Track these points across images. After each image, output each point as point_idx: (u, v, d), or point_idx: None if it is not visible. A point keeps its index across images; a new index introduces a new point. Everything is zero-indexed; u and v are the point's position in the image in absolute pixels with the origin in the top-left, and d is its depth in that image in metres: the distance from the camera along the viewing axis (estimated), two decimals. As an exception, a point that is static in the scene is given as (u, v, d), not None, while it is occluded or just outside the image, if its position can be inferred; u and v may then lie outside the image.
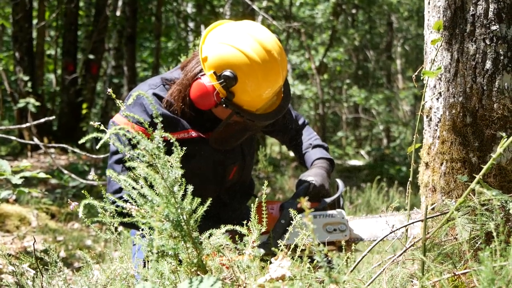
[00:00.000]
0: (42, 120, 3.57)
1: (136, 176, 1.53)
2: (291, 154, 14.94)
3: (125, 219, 1.59)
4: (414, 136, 2.08)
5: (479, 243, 1.79)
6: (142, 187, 1.49)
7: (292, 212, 1.86)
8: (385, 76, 19.98)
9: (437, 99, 2.11)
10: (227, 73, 2.20)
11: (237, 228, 1.69)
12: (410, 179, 2.11)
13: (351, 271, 1.76)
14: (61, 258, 4.25)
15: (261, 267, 1.58)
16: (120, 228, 1.86)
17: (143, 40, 16.71)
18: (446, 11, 2.04)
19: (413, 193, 2.24)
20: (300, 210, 2.46)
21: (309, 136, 2.89)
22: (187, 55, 4.22)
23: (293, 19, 14.61)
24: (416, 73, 2.10)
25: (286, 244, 1.79)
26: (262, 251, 2.22)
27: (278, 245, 1.70)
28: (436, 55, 2.09)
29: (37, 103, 9.81)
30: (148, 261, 1.84)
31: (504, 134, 1.66)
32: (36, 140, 5.13)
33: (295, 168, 11.55)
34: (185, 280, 1.41)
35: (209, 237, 1.63)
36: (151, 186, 1.50)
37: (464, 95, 2.00)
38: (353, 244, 2.43)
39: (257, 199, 1.86)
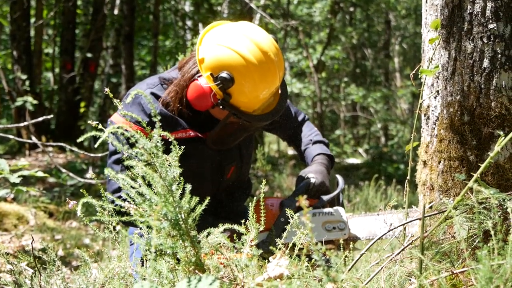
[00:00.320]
0: (40, 118, 3.56)
1: (135, 175, 1.53)
2: (289, 152, 14.95)
3: (124, 218, 1.59)
4: (412, 135, 2.08)
5: (477, 241, 1.79)
6: (140, 186, 1.50)
7: (291, 211, 1.85)
8: (383, 74, 19.98)
9: (435, 97, 2.12)
10: (224, 74, 2.20)
11: (235, 227, 1.69)
12: (408, 177, 2.11)
13: (349, 270, 1.76)
14: (59, 256, 4.24)
15: (259, 266, 1.59)
16: (118, 227, 1.86)
17: (141, 39, 16.69)
18: (444, 10, 2.04)
19: (411, 191, 2.24)
20: (300, 208, 2.46)
21: (310, 131, 2.88)
22: (185, 54, 4.22)
23: (291, 17, 14.61)
24: (414, 72, 2.11)
25: (285, 243, 1.79)
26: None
27: (277, 244, 1.70)
28: (433, 53, 2.09)
29: (35, 102, 9.79)
30: (146, 260, 1.84)
31: (501, 133, 1.66)
32: (34, 139, 5.13)
33: (293, 166, 11.56)
34: (184, 279, 1.41)
35: (207, 236, 1.63)
36: (149, 185, 1.50)
37: (462, 93, 2.00)
38: (351, 242, 2.43)
39: (255, 198, 1.86)
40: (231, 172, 2.61)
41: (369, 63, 19.61)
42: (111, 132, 1.48)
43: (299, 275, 1.51)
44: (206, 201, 1.61)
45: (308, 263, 1.62)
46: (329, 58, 16.27)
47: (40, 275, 2.12)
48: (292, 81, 15.61)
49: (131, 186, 1.51)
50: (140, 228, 1.61)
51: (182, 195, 1.53)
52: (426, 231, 1.82)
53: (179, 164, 1.55)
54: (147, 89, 2.40)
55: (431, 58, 2.10)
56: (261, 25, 11.57)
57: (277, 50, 2.32)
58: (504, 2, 1.93)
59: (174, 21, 15.35)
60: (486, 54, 1.95)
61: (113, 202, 1.63)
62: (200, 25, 13.30)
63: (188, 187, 1.55)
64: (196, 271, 1.55)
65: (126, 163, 1.51)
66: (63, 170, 4.31)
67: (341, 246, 1.85)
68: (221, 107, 2.28)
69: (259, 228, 1.72)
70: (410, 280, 1.83)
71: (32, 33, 11.62)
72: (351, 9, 18.18)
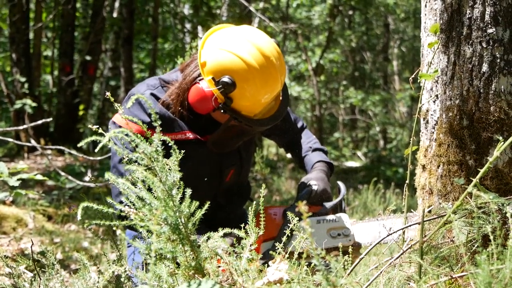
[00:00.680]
0: (39, 121, 3.57)
1: (135, 179, 1.53)
2: (288, 156, 14.91)
3: (124, 222, 1.59)
4: (411, 139, 2.08)
5: (476, 246, 1.79)
6: (140, 190, 1.50)
7: (295, 219, 1.84)
8: (382, 78, 20.00)
9: (434, 101, 2.12)
10: (226, 79, 2.21)
11: (235, 231, 1.69)
12: (407, 181, 2.11)
13: (348, 274, 1.76)
14: (58, 260, 4.24)
15: (259, 270, 1.59)
16: (119, 232, 1.86)
17: (140, 42, 16.71)
18: (443, 14, 2.05)
19: (410, 195, 2.24)
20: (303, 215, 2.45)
21: (309, 139, 2.89)
22: (184, 57, 4.22)
23: (290, 21, 14.64)
24: (413, 76, 2.11)
25: (293, 251, 1.78)
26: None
27: (277, 248, 1.70)
28: (433, 57, 2.10)
29: (34, 104, 9.78)
30: (146, 264, 1.84)
31: (500, 137, 1.66)
32: (33, 142, 5.12)
33: (292, 169, 11.56)
34: (183, 283, 1.41)
35: (207, 240, 1.63)
36: (149, 189, 1.50)
37: (461, 98, 2.00)
38: (357, 249, 2.42)
39: (254, 202, 1.86)
40: (230, 175, 2.61)
41: (368, 66, 19.63)
42: (112, 135, 1.48)
43: (299, 279, 1.52)
44: (206, 206, 1.61)
45: (308, 268, 1.62)
46: (328, 61, 16.30)
47: (40, 278, 2.12)
48: (291, 84, 15.62)
49: (132, 191, 1.51)
50: (140, 233, 1.61)
51: (182, 199, 1.54)
52: (425, 236, 1.82)
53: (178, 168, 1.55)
54: (147, 90, 2.40)
55: (430, 62, 2.11)
56: (260, 28, 11.56)
57: (279, 54, 2.32)
58: (503, 7, 1.93)
59: (173, 24, 15.36)
60: (485, 59, 1.95)
61: (114, 207, 1.63)
62: (199, 28, 13.31)
63: (188, 191, 1.55)
64: (196, 276, 1.55)
65: (126, 167, 1.51)
66: (62, 173, 4.31)
67: (349, 253, 1.84)
68: (222, 111, 2.28)
69: (258, 232, 1.72)
70: (409, 284, 1.83)
71: (31, 35, 11.61)
72: (350, 12, 18.22)
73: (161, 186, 1.47)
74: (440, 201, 2.08)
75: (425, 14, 2.17)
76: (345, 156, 16.32)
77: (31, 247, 2.37)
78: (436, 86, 2.10)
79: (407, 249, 1.86)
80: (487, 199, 1.54)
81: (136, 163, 1.53)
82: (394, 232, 1.98)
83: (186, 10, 15.89)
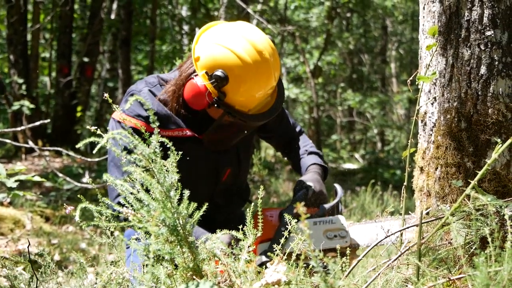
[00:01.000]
0: (37, 123, 3.56)
1: (133, 180, 1.53)
2: (285, 158, 14.85)
3: (122, 224, 1.59)
4: (409, 141, 2.09)
5: (474, 248, 1.79)
6: (138, 192, 1.50)
7: (292, 220, 1.84)
8: (380, 80, 20.01)
9: (432, 104, 2.12)
10: (218, 73, 2.21)
11: (233, 232, 1.69)
12: (405, 183, 2.11)
13: (346, 276, 1.76)
14: (56, 261, 4.24)
15: (257, 272, 1.59)
16: (117, 233, 1.86)
17: (138, 43, 16.71)
18: (441, 17, 2.05)
19: (408, 197, 2.24)
20: (299, 216, 2.45)
21: (305, 143, 2.90)
22: (182, 59, 4.22)
23: (288, 23, 14.64)
24: (411, 78, 2.11)
25: (290, 252, 1.78)
26: (264, 258, 2.22)
27: (275, 250, 1.69)
28: (431, 60, 2.10)
29: (32, 106, 9.76)
30: (144, 265, 1.84)
31: (498, 140, 1.67)
32: (30, 143, 5.12)
33: (289, 171, 11.55)
34: (181, 284, 1.41)
35: (205, 241, 1.63)
36: (147, 191, 1.50)
37: (459, 100, 2.00)
38: (354, 250, 2.42)
39: (252, 204, 1.86)
40: (226, 175, 2.61)
41: (365, 69, 19.65)
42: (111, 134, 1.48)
43: (297, 281, 1.52)
44: (204, 207, 1.61)
45: (306, 270, 1.62)
46: (325, 63, 16.31)
47: (37, 279, 2.11)
48: (288, 87, 15.61)
49: (130, 192, 1.51)
50: (138, 234, 1.61)
51: (180, 200, 1.54)
52: (423, 238, 1.82)
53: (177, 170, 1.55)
54: (145, 87, 2.42)
55: (428, 64, 2.11)
56: (258, 30, 11.55)
57: (273, 50, 2.33)
58: (501, 9, 1.93)
59: (171, 26, 15.36)
60: (483, 61, 1.95)
61: (112, 208, 1.63)
62: (197, 29, 13.29)
63: (186, 193, 1.55)
64: (194, 277, 1.55)
65: (124, 169, 1.51)
66: (60, 175, 4.30)
67: (346, 254, 1.84)
68: (215, 105, 2.29)
69: (256, 233, 1.72)
70: (407, 286, 1.83)
71: (29, 37, 11.60)
72: (348, 14, 18.24)
73: (159, 188, 1.47)
74: (438, 203, 2.08)
75: (423, 17, 2.17)
76: (343, 158, 16.33)
77: (28, 248, 2.37)
78: (434, 88, 2.11)
79: (405, 251, 1.86)
80: (485, 201, 1.55)
81: (134, 165, 1.53)
82: (392, 234, 1.98)
83: (184, 12, 15.91)
